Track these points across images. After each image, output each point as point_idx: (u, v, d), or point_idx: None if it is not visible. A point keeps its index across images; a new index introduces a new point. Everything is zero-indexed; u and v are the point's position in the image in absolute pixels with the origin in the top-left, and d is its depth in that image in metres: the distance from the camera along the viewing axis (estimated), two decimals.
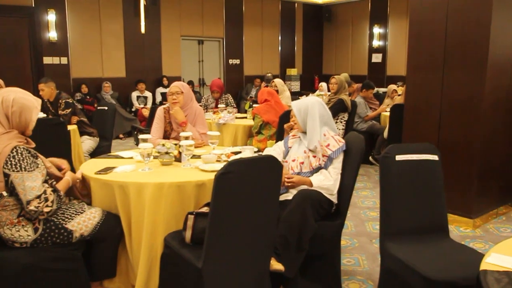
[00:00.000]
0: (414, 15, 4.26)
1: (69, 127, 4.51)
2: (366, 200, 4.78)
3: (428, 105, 4.16)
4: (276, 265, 2.37)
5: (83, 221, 2.41)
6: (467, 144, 3.93)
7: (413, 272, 2.00)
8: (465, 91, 3.90)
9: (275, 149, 3.00)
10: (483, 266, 1.48)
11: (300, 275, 2.59)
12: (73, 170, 3.85)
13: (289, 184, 2.71)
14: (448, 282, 1.88)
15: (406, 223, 2.32)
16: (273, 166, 2.06)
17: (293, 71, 12.69)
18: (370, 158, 6.34)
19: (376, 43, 12.28)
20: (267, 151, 3.01)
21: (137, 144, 5.21)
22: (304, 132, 2.90)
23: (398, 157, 2.31)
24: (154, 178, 2.53)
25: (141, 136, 2.94)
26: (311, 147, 2.81)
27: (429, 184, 2.38)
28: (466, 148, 3.93)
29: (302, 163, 2.82)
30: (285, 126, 3.51)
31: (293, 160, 2.86)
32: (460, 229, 3.96)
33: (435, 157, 2.38)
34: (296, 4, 12.91)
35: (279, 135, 4.09)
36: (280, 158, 2.90)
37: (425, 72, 4.16)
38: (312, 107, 2.86)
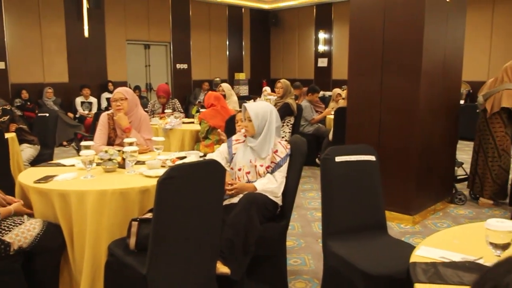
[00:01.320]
0: (354, 22, 4.42)
1: (7, 135, 4.32)
2: (313, 201, 4.89)
3: (369, 108, 4.32)
4: (222, 269, 2.39)
5: (22, 233, 2.32)
6: (405, 145, 4.12)
7: (353, 268, 2.09)
8: (402, 95, 4.09)
9: (217, 156, 2.92)
10: (413, 259, 1.58)
11: (246, 276, 2.62)
12: (12, 179, 3.72)
13: (232, 192, 2.71)
14: (385, 276, 1.98)
15: (346, 222, 2.41)
16: (216, 170, 2.08)
17: (241, 76, 12.78)
18: (317, 160, 6.49)
19: (321, 48, 12.61)
20: (209, 156, 2.98)
21: (77, 151, 5.08)
22: (252, 137, 2.86)
23: (338, 159, 2.40)
24: (97, 185, 2.48)
25: (83, 143, 2.88)
26: (263, 155, 2.80)
27: (367, 183, 2.48)
28: (404, 148, 4.13)
29: (248, 173, 2.81)
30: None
31: (239, 169, 2.84)
32: (401, 225, 4.14)
33: (373, 158, 2.49)
34: (243, 9, 13.02)
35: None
36: (224, 163, 2.88)
37: (365, 77, 4.33)
38: (271, 115, 2.86)
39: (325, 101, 8.34)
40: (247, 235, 2.51)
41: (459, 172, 5.13)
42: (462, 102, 9.00)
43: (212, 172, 2.07)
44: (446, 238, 1.80)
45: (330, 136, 6.09)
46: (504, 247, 1.45)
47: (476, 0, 9.49)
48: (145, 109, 5.75)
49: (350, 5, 4.43)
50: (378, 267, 2.03)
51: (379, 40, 4.19)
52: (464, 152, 7.34)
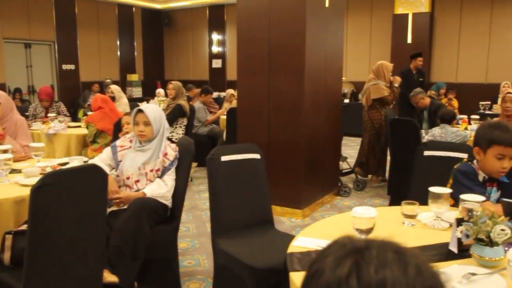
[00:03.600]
0: (241, 25, 4.53)
1: None
2: (208, 201, 4.89)
3: (258, 108, 4.46)
4: (110, 277, 2.32)
5: None
6: (293, 143, 4.32)
7: (240, 263, 2.16)
8: (288, 94, 4.29)
9: (99, 162, 2.70)
10: (290, 249, 1.67)
11: (138, 282, 2.57)
12: None
13: (117, 201, 2.62)
14: (270, 269, 2.08)
15: (234, 220, 2.47)
16: (96, 175, 2.01)
17: (134, 77, 12.39)
18: None
19: (215, 49, 12.71)
20: (91, 162, 2.78)
21: None
22: (145, 141, 2.76)
23: (223, 158, 2.45)
24: None
25: None
26: (156, 159, 2.73)
27: (253, 180, 2.57)
28: (292, 146, 4.33)
29: (138, 181, 2.72)
30: (120, 135, 3.38)
31: (128, 178, 2.73)
32: (292, 219, 4.34)
33: (257, 156, 2.59)
34: (134, 8, 12.65)
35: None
36: (108, 171, 2.69)
37: (253, 77, 4.47)
38: (164, 117, 2.82)
39: (220, 101, 8.43)
40: (137, 241, 2.46)
41: (344, 166, 5.52)
42: (347, 101, 9.66)
43: (92, 178, 2.00)
44: (322, 228, 1.93)
45: (224, 136, 6.17)
46: (368, 231, 1.60)
47: (356, 6, 10.26)
48: (26, 113, 5.36)
49: (237, 9, 4.54)
50: (263, 260, 2.12)
51: (265, 43, 4.34)
52: (350, 148, 7.88)
